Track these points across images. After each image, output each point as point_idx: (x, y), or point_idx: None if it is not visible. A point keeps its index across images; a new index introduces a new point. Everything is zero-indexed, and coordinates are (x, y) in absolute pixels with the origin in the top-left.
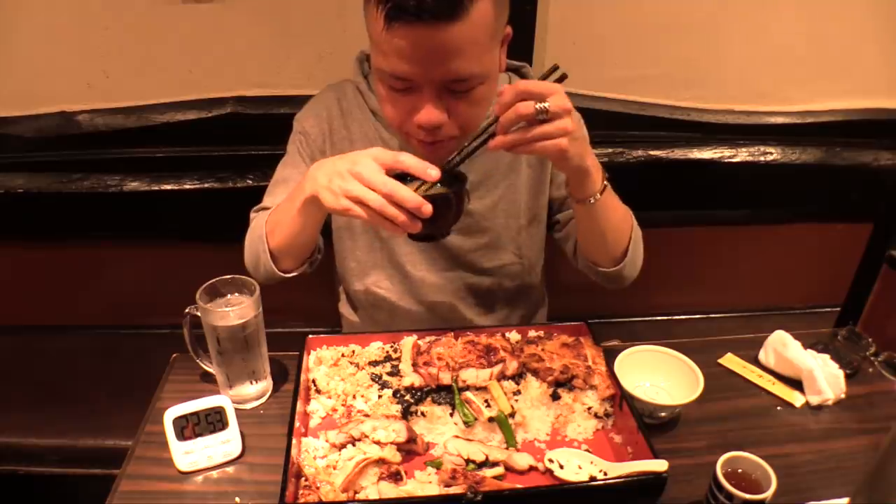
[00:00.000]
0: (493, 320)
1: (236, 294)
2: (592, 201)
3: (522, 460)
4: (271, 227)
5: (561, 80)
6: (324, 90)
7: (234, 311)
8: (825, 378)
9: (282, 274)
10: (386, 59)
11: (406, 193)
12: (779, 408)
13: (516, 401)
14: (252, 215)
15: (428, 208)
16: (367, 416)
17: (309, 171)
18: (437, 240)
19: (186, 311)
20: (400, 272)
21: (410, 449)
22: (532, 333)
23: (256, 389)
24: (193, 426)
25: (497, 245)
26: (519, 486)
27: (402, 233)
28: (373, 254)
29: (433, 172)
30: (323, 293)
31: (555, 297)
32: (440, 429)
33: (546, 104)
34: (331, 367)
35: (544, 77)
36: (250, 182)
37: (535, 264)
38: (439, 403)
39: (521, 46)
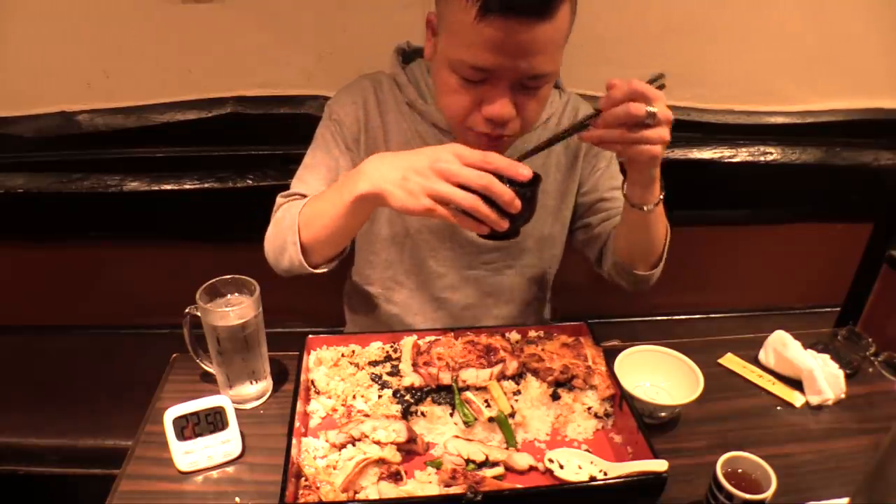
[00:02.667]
0: (503, 319)
1: (236, 294)
2: (650, 208)
3: (522, 460)
4: (307, 219)
5: (661, 87)
6: (358, 79)
7: (234, 311)
8: (825, 378)
9: (309, 269)
10: (469, 49)
11: (502, 188)
12: (779, 408)
13: (516, 401)
14: (280, 200)
15: (518, 204)
16: (367, 416)
17: (362, 167)
18: (511, 238)
19: (186, 311)
20: (421, 267)
21: (410, 449)
22: (532, 333)
23: (256, 389)
24: (193, 426)
25: (521, 245)
26: (519, 486)
27: (485, 231)
28: (395, 248)
29: (525, 171)
30: (323, 293)
31: (555, 297)
32: (440, 429)
33: (655, 109)
34: (331, 367)
35: (650, 82)
36: (250, 182)
37: (554, 266)
38: (439, 403)
39: None
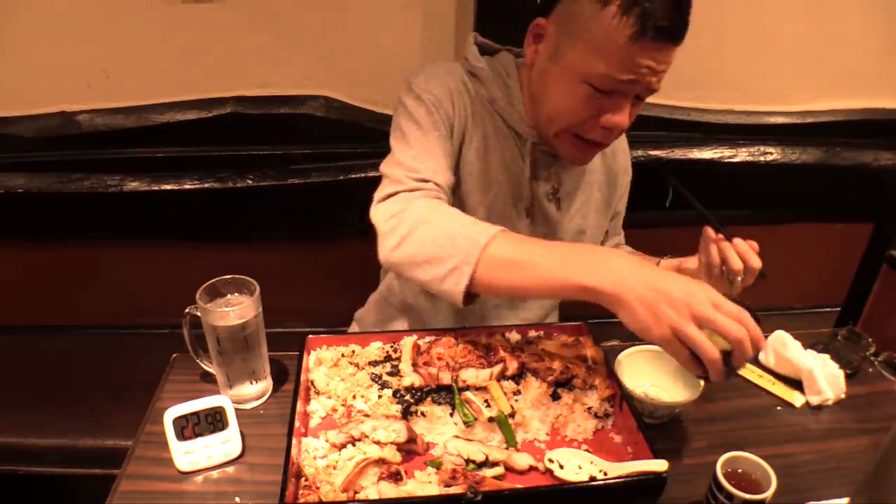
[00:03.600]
0: (526, 321)
1: (236, 294)
2: None
3: (522, 460)
4: (496, 260)
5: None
6: (439, 63)
7: (234, 311)
8: (825, 378)
9: (460, 301)
10: (611, 64)
11: (749, 348)
12: (779, 408)
13: (516, 401)
14: (408, 182)
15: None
16: (367, 416)
17: (598, 257)
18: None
19: (186, 311)
20: None
21: (410, 449)
22: (532, 333)
23: (256, 389)
24: (193, 426)
25: None
26: (519, 486)
27: (702, 374)
28: None
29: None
30: (323, 293)
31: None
32: (440, 429)
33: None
34: (331, 367)
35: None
36: (250, 182)
37: None
38: (439, 403)
39: (520, 47)
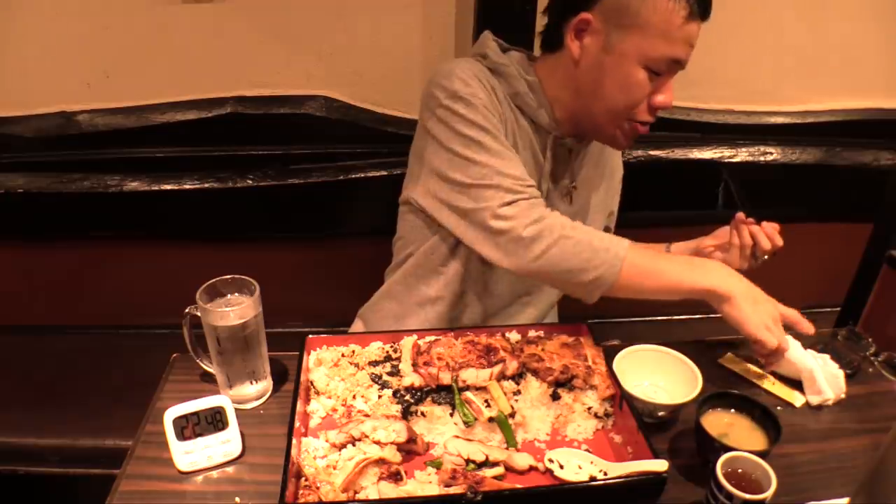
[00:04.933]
0: (533, 319)
1: (236, 294)
2: None
3: (522, 460)
4: (636, 268)
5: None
6: (467, 64)
7: (234, 311)
8: (825, 378)
9: (594, 299)
10: (672, 45)
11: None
12: (779, 408)
13: (516, 401)
14: (523, 190)
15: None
16: (367, 416)
17: (711, 266)
18: None
19: (186, 311)
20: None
21: (410, 449)
22: (532, 333)
23: (256, 389)
24: (193, 426)
25: None
26: (519, 486)
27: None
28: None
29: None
30: (323, 293)
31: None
32: (440, 429)
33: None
34: (331, 367)
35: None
36: (250, 182)
37: None
38: (439, 403)
39: (520, 47)
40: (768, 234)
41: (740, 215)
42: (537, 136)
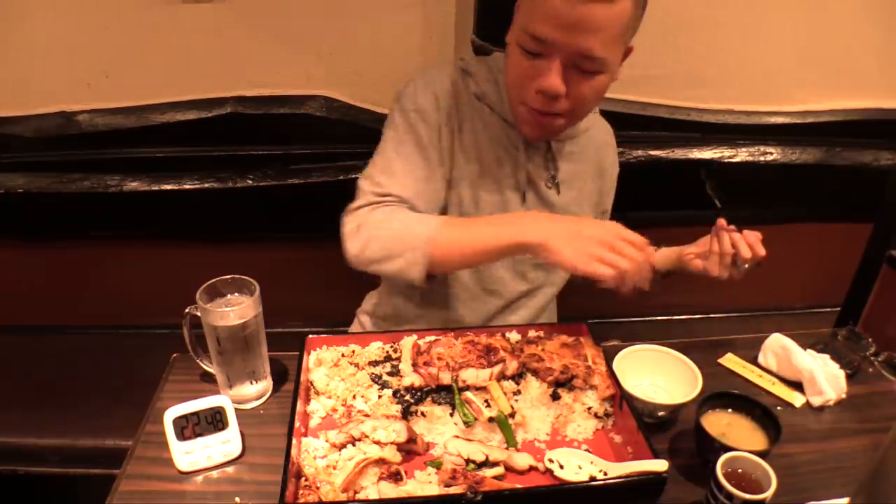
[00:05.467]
0: (521, 319)
1: (236, 294)
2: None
3: (522, 460)
4: (447, 240)
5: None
6: (431, 70)
7: (234, 311)
8: (826, 378)
9: (420, 281)
10: (533, 20)
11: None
12: (779, 408)
13: (516, 401)
14: (369, 195)
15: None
16: (367, 416)
17: (522, 218)
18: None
19: (186, 311)
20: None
21: (410, 449)
22: (532, 333)
23: (256, 389)
24: (193, 426)
25: None
26: (519, 486)
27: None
28: None
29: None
30: (323, 293)
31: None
32: (440, 429)
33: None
34: (331, 367)
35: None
36: (250, 182)
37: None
38: (439, 403)
39: None
40: (750, 243)
41: (721, 222)
42: (512, 131)
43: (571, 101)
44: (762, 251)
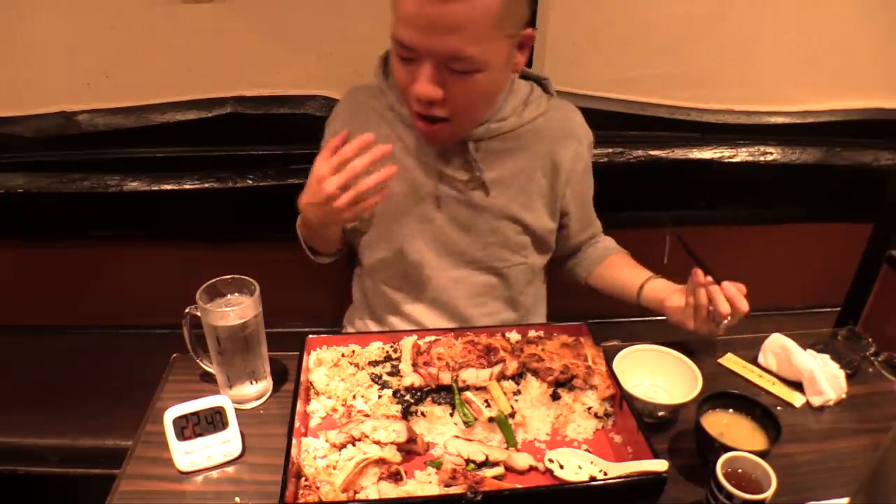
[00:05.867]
0: (493, 319)
1: (236, 294)
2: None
3: (522, 460)
4: (303, 231)
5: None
6: (348, 91)
7: (234, 311)
8: (826, 378)
9: (319, 262)
10: (397, 25)
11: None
12: (779, 408)
13: (516, 401)
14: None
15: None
16: (367, 416)
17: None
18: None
19: (186, 311)
20: (412, 270)
21: (410, 449)
22: (532, 333)
23: (256, 389)
24: (193, 426)
25: (506, 245)
26: (519, 486)
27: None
28: (385, 252)
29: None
30: (323, 293)
31: (555, 298)
32: (440, 429)
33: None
34: (331, 367)
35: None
36: (250, 182)
37: (541, 265)
38: (439, 403)
39: None
40: (729, 297)
41: (698, 275)
42: (423, 138)
43: (452, 104)
44: (744, 306)
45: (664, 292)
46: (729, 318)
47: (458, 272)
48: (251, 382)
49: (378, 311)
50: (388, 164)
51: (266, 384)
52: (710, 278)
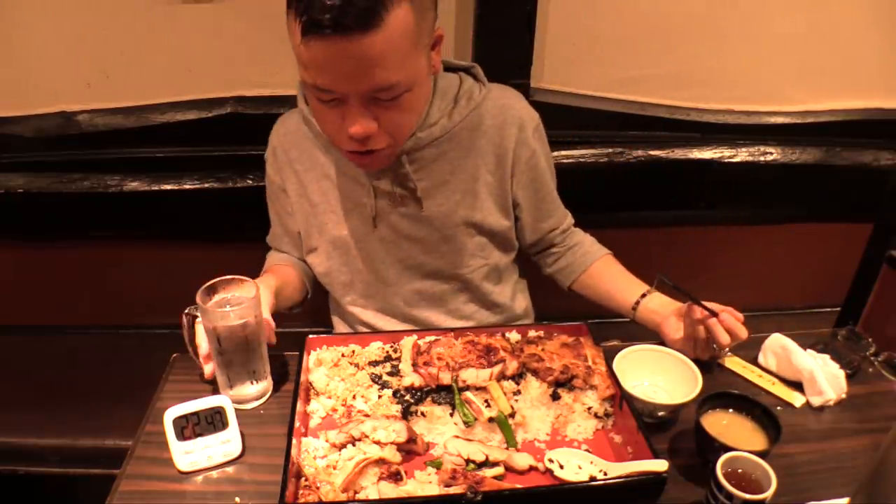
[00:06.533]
0: (473, 321)
1: (236, 294)
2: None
3: (522, 460)
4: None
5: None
6: (278, 122)
7: (234, 311)
8: (826, 378)
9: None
10: (307, 71)
11: None
12: (779, 408)
13: (516, 401)
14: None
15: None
16: (367, 416)
17: None
18: None
19: (186, 311)
20: (375, 289)
21: (410, 449)
22: (532, 333)
23: (257, 389)
24: (193, 426)
25: (462, 251)
26: (519, 486)
27: None
28: (345, 276)
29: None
30: (323, 293)
31: (555, 298)
32: (440, 429)
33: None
34: (331, 367)
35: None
36: (250, 182)
37: (508, 262)
38: (439, 403)
39: (521, 47)
40: (728, 327)
41: (694, 310)
42: (353, 163)
43: (387, 131)
44: (743, 334)
45: (660, 315)
46: (728, 346)
47: (420, 284)
48: (252, 382)
49: (359, 331)
50: (327, 191)
51: (266, 384)
52: (705, 312)
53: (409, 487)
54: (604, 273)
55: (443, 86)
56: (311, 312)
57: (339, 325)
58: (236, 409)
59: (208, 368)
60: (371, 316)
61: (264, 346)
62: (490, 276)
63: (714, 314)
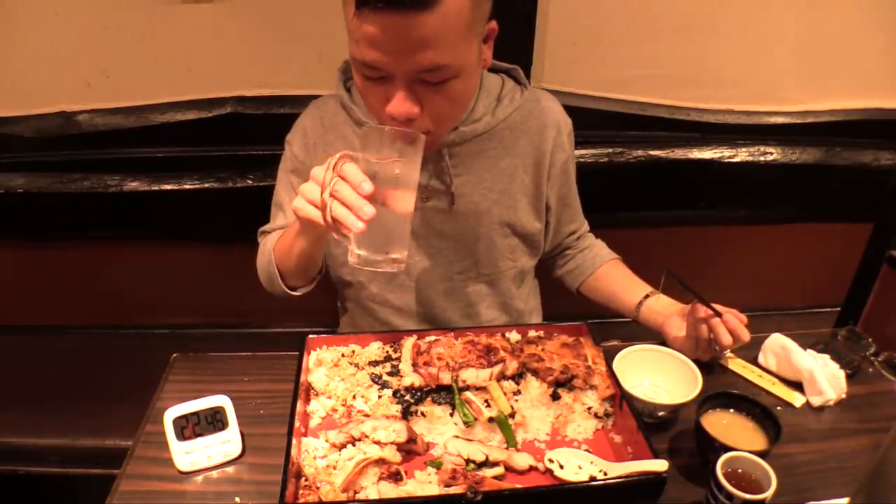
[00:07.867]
0: (483, 321)
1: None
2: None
3: (522, 460)
4: (279, 252)
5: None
6: (308, 107)
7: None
8: (826, 378)
9: (291, 292)
10: (357, 46)
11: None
12: (779, 408)
13: (516, 401)
14: (259, 239)
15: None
16: (367, 416)
17: None
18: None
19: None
20: (398, 286)
21: (410, 449)
22: (532, 333)
23: (390, 257)
24: (193, 426)
25: (493, 250)
26: (519, 486)
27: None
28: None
29: (366, 186)
30: (323, 293)
31: (554, 298)
32: (440, 429)
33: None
34: (331, 368)
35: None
36: (250, 182)
37: (531, 266)
38: (439, 403)
39: (520, 46)
40: (731, 328)
41: (697, 308)
42: None
43: (431, 116)
44: (746, 336)
45: (663, 315)
46: (731, 346)
47: (447, 284)
48: (386, 252)
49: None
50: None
51: (402, 254)
52: (709, 311)
53: (409, 487)
54: (610, 275)
55: (487, 84)
56: (311, 312)
57: (345, 325)
58: (236, 408)
59: (369, 209)
60: (388, 313)
61: (411, 215)
62: (515, 280)
63: (718, 314)
